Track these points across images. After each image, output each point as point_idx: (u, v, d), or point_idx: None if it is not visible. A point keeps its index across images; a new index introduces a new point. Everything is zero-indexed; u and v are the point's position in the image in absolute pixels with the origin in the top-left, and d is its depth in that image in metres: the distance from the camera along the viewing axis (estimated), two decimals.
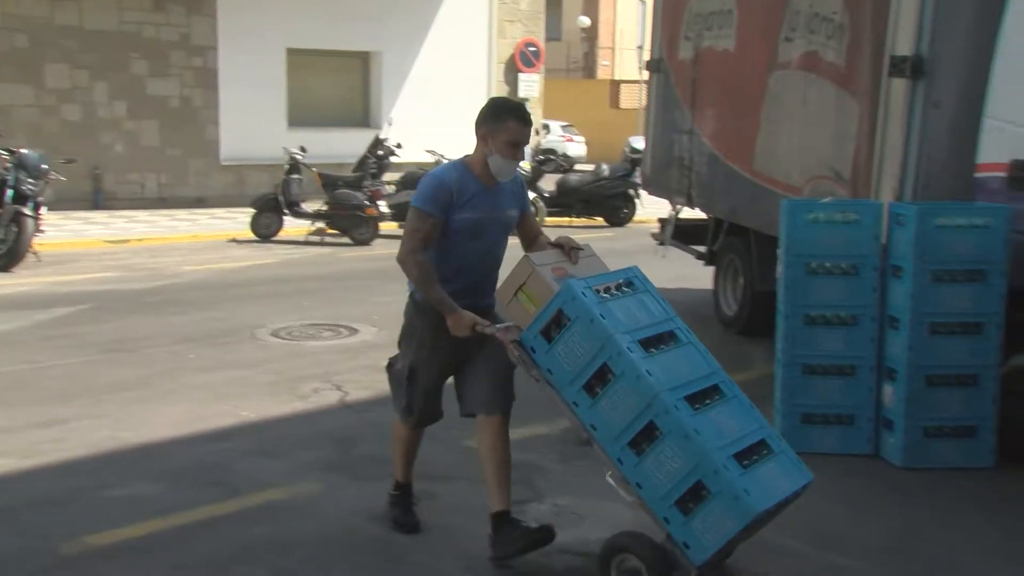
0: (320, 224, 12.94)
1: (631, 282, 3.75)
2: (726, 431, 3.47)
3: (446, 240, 3.84)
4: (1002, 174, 5.08)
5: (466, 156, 3.96)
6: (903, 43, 5.37)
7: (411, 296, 4.03)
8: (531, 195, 7.28)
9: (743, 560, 3.84)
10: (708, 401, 3.53)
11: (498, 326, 3.73)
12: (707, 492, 3.34)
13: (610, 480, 3.60)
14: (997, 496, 4.79)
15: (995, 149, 5.13)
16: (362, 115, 18.11)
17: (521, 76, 19.39)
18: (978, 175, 5.24)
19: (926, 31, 5.28)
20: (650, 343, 3.55)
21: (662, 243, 9.47)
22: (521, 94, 19.14)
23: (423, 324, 3.95)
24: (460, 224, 3.82)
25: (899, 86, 5.41)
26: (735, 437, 3.48)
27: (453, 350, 3.92)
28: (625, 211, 15.45)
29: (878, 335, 5.17)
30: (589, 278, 3.66)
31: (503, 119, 3.82)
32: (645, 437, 3.43)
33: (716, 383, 3.63)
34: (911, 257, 4.94)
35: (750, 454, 3.47)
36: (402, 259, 3.82)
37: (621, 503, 4.46)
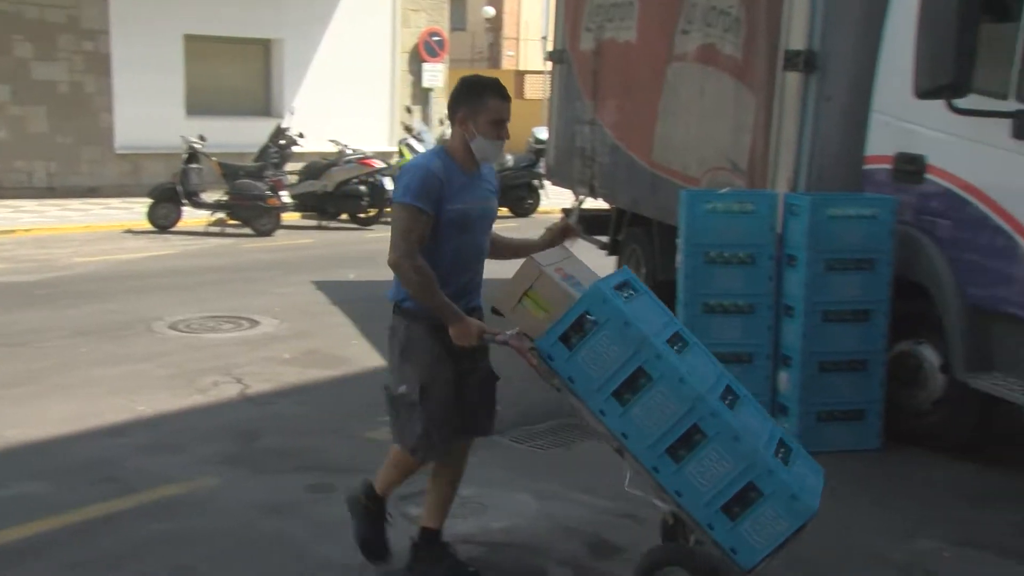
0: (220, 215, 12.68)
1: (628, 283, 3.53)
2: (755, 431, 3.36)
3: (435, 236, 3.50)
4: (888, 166, 5.29)
5: (444, 143, 3.71)
6: (796, 38, 5.52)
7: (397, 307, 3.61)
8: None
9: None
10: (729, 401, 3.39)
11: (508, 333, 3.41)
12: (758, 494, 3.20)
13: (632, 490, 3.47)
14: (884, 477, 4.99)
15: (882, 142, 5.34)
16: (263, 103, 17.78)
17: (425, 66, 19.30)
18: (866, 167, 5.44)
19: (817, 26, 5.43)
20: (672, 344, 3.38)
21: None
22: (425, 84, 19.07)
23: (421, 331, 3.55)
24: (449, 216, 3.49)
25: (793, 80, 5.56)
26: (766, 436, 3.37)
27: (457, 359, 3.57)
28: (530, 201, 15.56)
29: (774, 323, 5.34)
30: (606, 279, 3.46)
31: (483, 97, 3.51)
32: (683, 443, 3.24)
33: (728, 383, 3.49)
34: (805, 247, 5.10)
35: (778, 452, 3.36)
36: (397, 264, 3.43)
37: (526, 493, 4.55)
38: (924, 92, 4.63)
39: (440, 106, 17.66)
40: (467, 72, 4.35)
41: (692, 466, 3.23)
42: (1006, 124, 4.46)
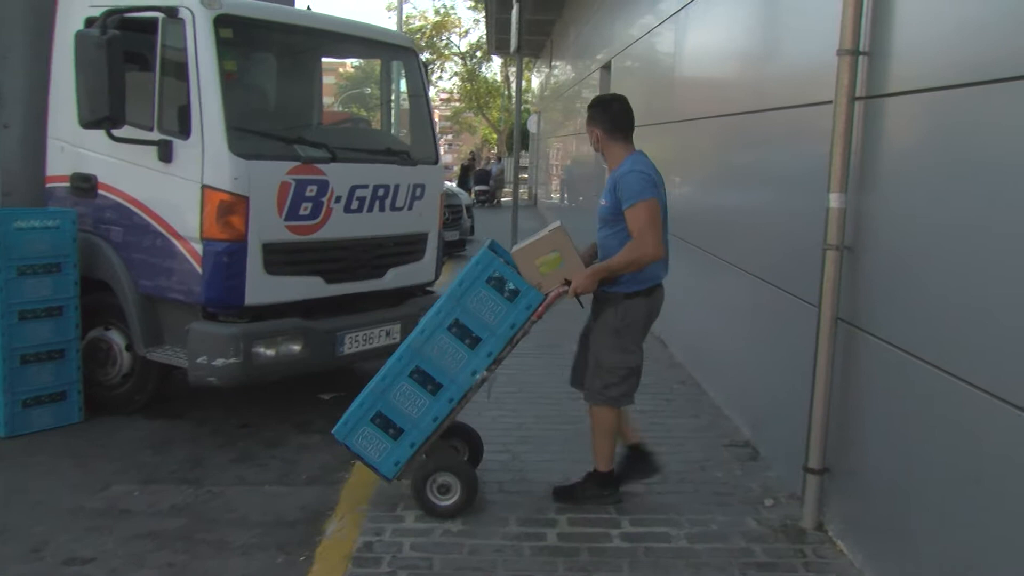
0: None
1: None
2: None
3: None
4: (66, 184, 5.89)
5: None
6: None
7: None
8: None
9: None
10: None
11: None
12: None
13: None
14: (86, 443, 5.55)
15: (59, 164, 5.92)
16: None
17: None
18: (48, 185, 5.99)
19: None
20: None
21: None
22: None
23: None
24: None
25: None
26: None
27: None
28: None
29: None
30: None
31: None
32: None
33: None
34: None
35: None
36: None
37: None
38: (87, 123, 5.22)
39: None
40: None
41: None
42: (154, 150, 5.36)
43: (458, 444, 4.83)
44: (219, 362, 5.25)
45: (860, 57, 4.02)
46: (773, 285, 5.27)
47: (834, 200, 4.08)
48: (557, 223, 4.42)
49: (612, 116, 4.38)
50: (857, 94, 4.04)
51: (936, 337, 3.46)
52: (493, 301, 4.22)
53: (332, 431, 4.40)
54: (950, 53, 3.47)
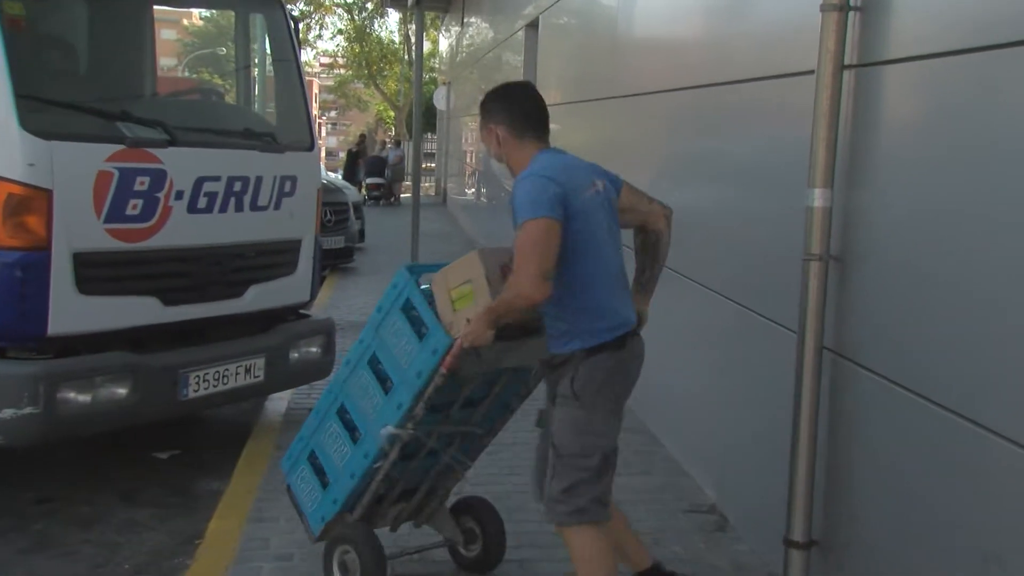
0: None
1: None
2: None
3: None
4: None
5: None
6: None
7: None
8: None
9: None
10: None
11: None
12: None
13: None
14: None
15: None
16: None
17: None
18: None
19: None
20: None
21: None
22: None
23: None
24: None
25: None
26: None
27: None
28: None
29: None
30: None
31: None
32: None
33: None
34: None
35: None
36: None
37: None
38: None
39: None
40: None
41: None
42: None
43: (473, 525, 4.56)
44: (8, 413, 4.97)
45: (851, 13, 3.90)
46: (741, 305, 5.15)
47: (817, 198, 3.96)
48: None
49: (519, 105, 3.82)
50: (847, 61, 3.93)
51: (950, 372, 3.34)
52: (406, 337, 3.86)
53: (281, 462, 4.36)
54: (970, 5, 3.35)
